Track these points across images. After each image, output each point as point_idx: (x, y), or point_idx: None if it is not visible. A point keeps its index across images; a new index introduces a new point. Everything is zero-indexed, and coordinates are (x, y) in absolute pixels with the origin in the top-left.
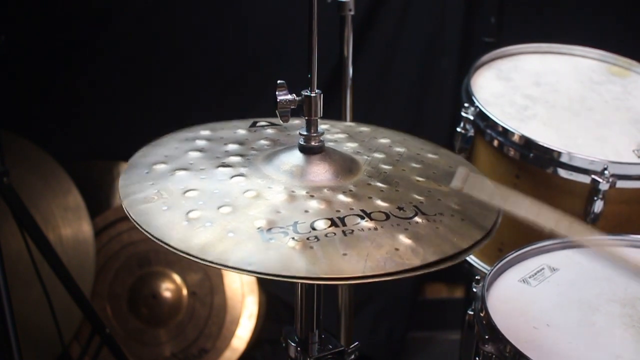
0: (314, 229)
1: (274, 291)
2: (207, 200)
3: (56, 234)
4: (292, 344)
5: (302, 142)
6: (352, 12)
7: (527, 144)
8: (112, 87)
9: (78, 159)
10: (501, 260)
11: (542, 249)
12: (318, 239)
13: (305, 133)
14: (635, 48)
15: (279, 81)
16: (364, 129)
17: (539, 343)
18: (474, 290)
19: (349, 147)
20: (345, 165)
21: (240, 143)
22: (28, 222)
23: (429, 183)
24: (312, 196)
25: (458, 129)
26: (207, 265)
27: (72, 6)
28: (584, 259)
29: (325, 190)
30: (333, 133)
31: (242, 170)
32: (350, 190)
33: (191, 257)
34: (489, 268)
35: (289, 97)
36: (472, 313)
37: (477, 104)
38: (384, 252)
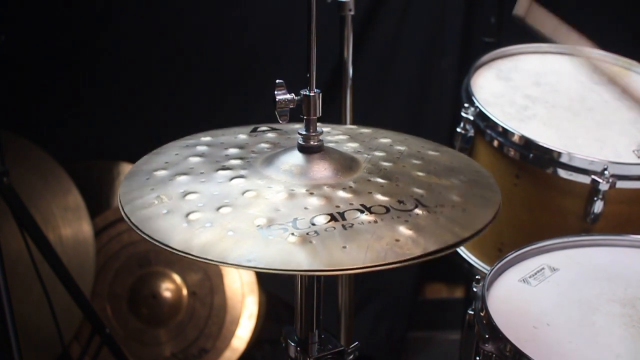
0: (313, 224)
1: (274, 291)
2: (207, 202)
3: (56, 234)
4: (292, 344)
5: (301, 142)
6: (352, 12)
7: (527, 144)
8: (112, 87)
9: (78, 159)
10: (501, 260)
11: (542, 249)
12: (318, 234)
13: (304, 132)
14: (635, 48)
15: (277, 81)
16: (365, 130)
17: (539, 342)
18: (474, 290)
19: (350, 146)
20: (344, 164)
21: (241, 147)
22: (28, 222)
23: (430, 177)
24: (311, 193)
25: (458, 129)
26: (207, 263)
27: (73, 6)
28: (584, 259)
29: (325, 188)
30: (334, 135)
31: (242, 172)
32: (350, 187)
33: (192, 257)
34: (489, 268)
35: (288, 96)
36: (472, 313)
37: (477, 104)
38: (384, 244)
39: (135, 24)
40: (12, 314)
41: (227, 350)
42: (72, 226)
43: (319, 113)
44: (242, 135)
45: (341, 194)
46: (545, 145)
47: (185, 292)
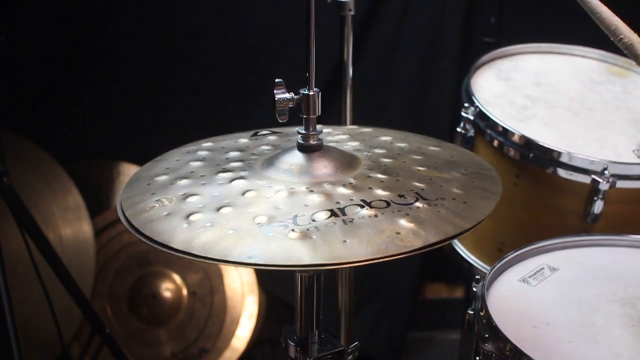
0: (313, 220)
1: (274, 291)
2: (207, 203)
3: (56, 234)
4: (292, 344)
5: (300, 141)
6: (352, 12)
7: (527, 144)
8: (112, 87)
9: (78, 159)
10: (501, 260)
11: (542, 248)
12: (318, 229)
13: (303, 132)
14: None
15: (276, 80)
16: (366, 130)
17: (539, 342)
18: (474, 289)
19: (350, 145)
20: (344, 161)
21: (241, 150)
22: (28, 222)
23: (431, 172)
24: (311, 191)
25: (458, 129)
26: (208, 262)
27: (73, 6)
28: (584, 259)
29: (325, 185)
30: (334, 135)
31: (242, 173)
32: (350, 183)
33: (192, 257)
34: (489, 268)
35: (287, 95)
36: (472, 312)
37: (477, 104)
38: (385, 237)
39: (135, 24)
40: (12, 314)
41: (227, 350)
42: (72, 226)
43: (319, 112)
44: (242, 139)
45: (341, 190)
46: (545, 145)
47: (185, 292)
